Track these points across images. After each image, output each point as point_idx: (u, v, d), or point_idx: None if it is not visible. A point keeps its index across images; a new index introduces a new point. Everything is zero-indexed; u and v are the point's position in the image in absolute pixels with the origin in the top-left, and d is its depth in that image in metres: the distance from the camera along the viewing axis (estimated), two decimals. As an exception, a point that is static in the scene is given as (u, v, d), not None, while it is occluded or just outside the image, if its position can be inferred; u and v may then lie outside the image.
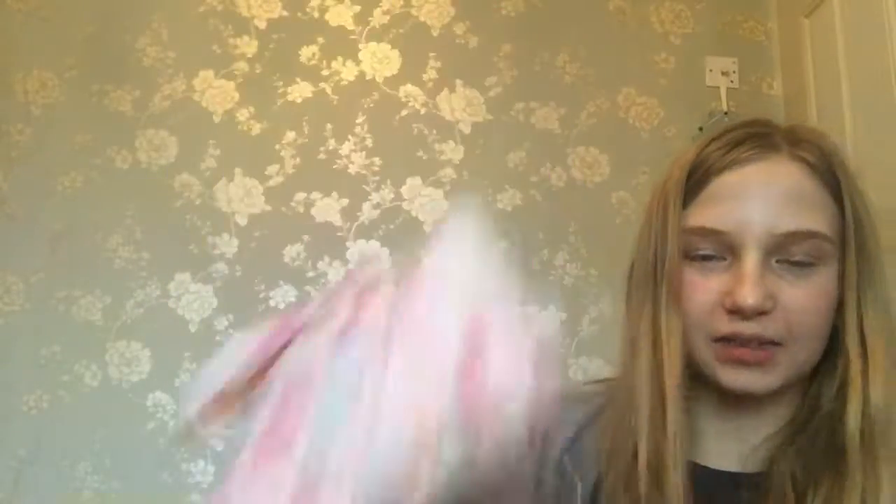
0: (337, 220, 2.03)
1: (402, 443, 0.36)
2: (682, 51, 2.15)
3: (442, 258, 0.41)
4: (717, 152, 0.62)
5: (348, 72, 2.10)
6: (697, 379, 0.62)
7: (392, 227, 2.03)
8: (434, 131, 2.08)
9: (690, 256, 0.61)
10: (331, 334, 0.39)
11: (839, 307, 0.60)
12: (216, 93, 2.08)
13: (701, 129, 2.03)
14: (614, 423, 0.65)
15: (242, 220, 2.02)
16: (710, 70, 2.13)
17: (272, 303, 1.98)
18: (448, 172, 2.06)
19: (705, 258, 0.61)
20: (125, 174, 2.03)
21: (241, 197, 2.03)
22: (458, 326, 0.39)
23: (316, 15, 2.12)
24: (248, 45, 2.10)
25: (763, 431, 0.64)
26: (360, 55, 2.11)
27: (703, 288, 0.60)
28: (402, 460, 0.35)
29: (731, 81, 2.12)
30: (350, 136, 2.07)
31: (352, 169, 2.05)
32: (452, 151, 2.07)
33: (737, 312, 0.58)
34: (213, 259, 2.00)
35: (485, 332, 0.39)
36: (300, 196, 2.03)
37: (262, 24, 2.11)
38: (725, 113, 2.05)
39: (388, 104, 2.09)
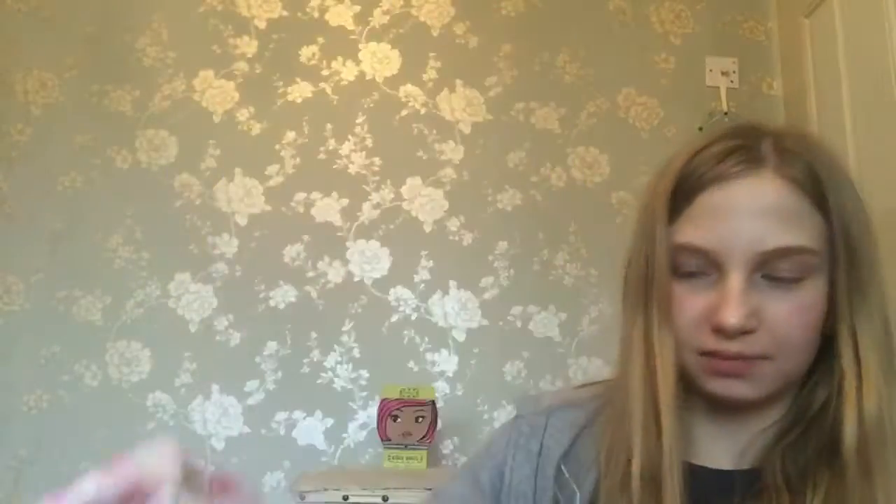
0: (337, 220, 2.03)
1: None
2: (682, 51, 2.15)
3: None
4: (703, 166, 0.62)
5: (348, 72, 2.10)
6: (691, 383, 0.63)
7: (392, 227, 2.03)
8: (434, 131, 2.08)
9: (678, 273, 0.62)
10: None
11: (833, 317, 0.60)
12: (216, 93, 2.08)
13: (701, 128, 2.03)
14: (612, 425, 0.65)
15: (242, 220, 2.02)
16: (710, 70, 2.13)
17: (272, 303, 1.98)
18: (448, 172, 2.06)
19: (693, 274, 0.62)
20: (125, 174, 2.03)
21: (241, 197, 2.03)
22: None
23: (316, 15, 2.13)
24: (248, 45, 2.11)
25: (756, 431, 0.65)
26: (360, 55, 2.11)
27: (690, 304, 0.61)
28: None
29: (731, 81, 2.12)
30: (350, 136, 2.07)
31: (352, 169, 2.06)
32: (452, 151, 2.07)
33: (720, 331, 0.59)
34: (213, 259, 2.00)
35: None
36: (300, 196, 2.04)
37: (262, 24, 2.12)
38: (725, 113, 2.05)
39: (388, 104, 2.09)
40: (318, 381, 1.95)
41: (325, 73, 2.10)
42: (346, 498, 1.54)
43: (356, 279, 2.00)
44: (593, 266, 2.01)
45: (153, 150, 2.05)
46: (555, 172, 2.07)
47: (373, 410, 1.86)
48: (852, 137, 1.71)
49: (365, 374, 1.96)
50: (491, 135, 2.08)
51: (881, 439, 0.57)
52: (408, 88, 2.10)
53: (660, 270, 0.62)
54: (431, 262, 2.01)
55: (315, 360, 1.96)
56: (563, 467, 0.68)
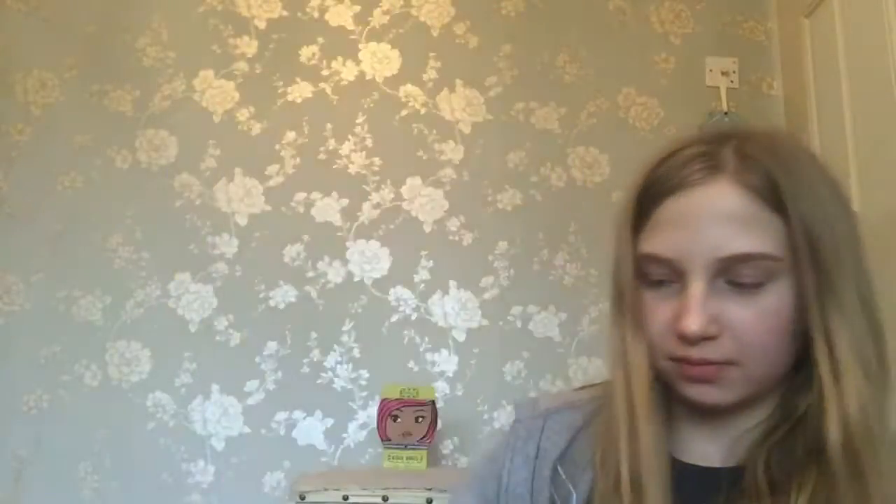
0: (337, 220, 2.03)
1: None
2: (682, 51, 2.15)
3: None
4: (668, 173, 0.64)
5: (348, 72, 2.10)
6: (671, 387, 0.65)
7: (392, 227, 2.03)
8: (434, 131, 2.08)
9: (647, 281, 0.64)
10: None
11: (805, 319, 0.60)
12: (216, 93, 2.08)
13: (701, 129, 2.03)
14: (605, 427, 0.67)
15: (242, 220, 2.02)
16: (710, 70, 2.13)
17: (272, 303, 1.98)
18: (448, 172, 2.06)
19: (661, 282, 0.63)
20: (125, 174, 2.03)
21: (241, 197, 2.03)
22: None
23: (316, 15, 2.13)
24: (248, 45, 2.11)
25: (743, 429, 0.65)
26: (360, 55, 2.11)
27: (659, 312, 0.63)
28: None
29: (731, 81, 2.12)
30: (350, 136, 2.07)
31: (352, 169, 2.06)
32: (452, 151, 2.07)
33: (683, 338, 0.60)
34: (213, 259, 2.00)
35: None
36: (300, 196, 2.04)
37: (262, 24, 2.12)
38: (725, 113, 2.05)
39: (388, 104, 2.09)
40: (318, 381, 1.95)
41: (325, 73, 2.10)
42: (346, 498, 1.54)
43: (356, 279, 2.00)
44: (593, 266, 2.01)
45: (153, 150, 2.05)
46: (555, 172, 2.07)
47: (373, 410, 1.86)
48: (852, 137, 1.71)
49: (365, 374, 1.96)
50: (491, 135, 2.08)
51: (868, 438, 0.57)
52: (408, 88, 2.10)
53: (627, 279, 0.65)
54: (431, 262, 2.02)
55: (315, 360, 1.96)
56: (559, 468, 0.69)
